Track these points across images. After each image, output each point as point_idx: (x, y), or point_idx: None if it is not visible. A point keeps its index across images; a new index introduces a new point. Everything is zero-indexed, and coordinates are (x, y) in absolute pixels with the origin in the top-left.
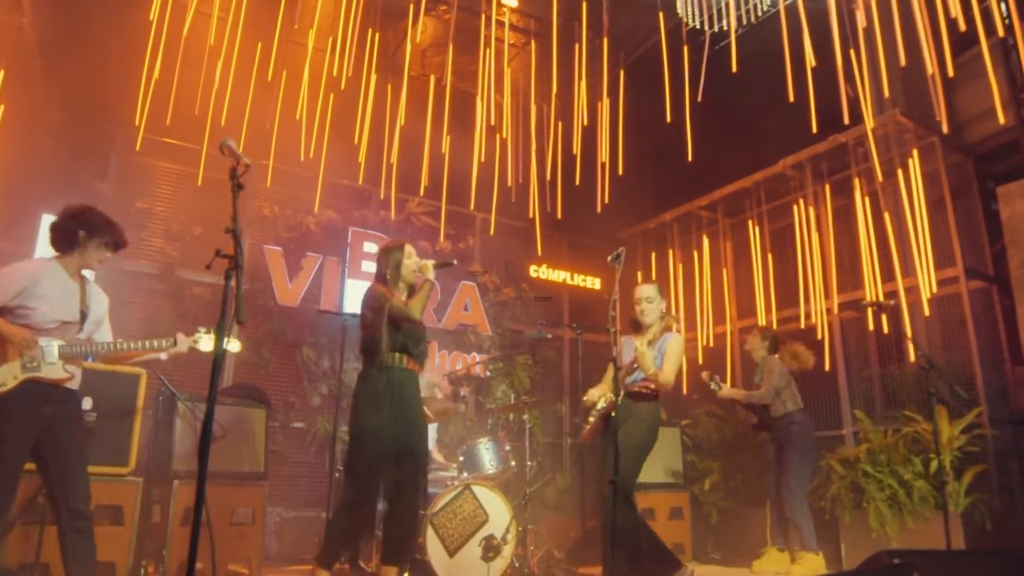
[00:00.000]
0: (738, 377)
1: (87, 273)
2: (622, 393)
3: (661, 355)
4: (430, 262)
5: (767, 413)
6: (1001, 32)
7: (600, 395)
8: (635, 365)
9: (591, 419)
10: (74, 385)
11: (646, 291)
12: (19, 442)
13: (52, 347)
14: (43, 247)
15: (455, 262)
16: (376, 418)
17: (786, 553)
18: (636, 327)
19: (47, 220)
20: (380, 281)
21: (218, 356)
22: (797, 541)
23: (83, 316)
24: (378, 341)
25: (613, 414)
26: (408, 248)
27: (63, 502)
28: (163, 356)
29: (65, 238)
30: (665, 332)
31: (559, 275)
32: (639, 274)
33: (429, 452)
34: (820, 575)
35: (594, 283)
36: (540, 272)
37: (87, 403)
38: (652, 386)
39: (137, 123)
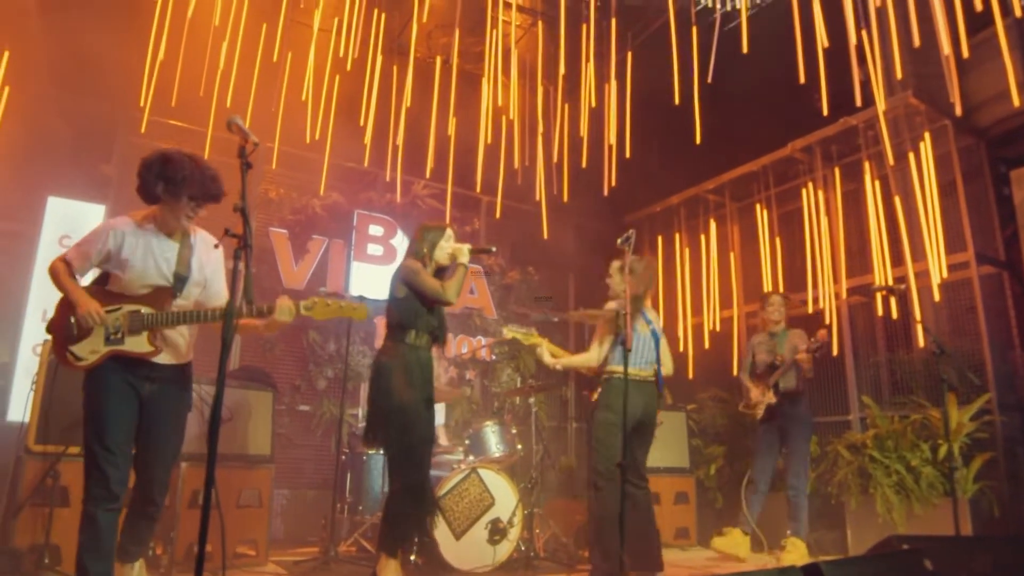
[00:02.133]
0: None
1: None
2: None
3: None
4: (466, 246)
5: (782, 396)
6: (1018, 12)
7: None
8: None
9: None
10: (170, 359)
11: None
12: (120, 414)
13: (137, 317)
14: (49, 230)
15: (494, 249)
16: (413, 394)
17: (748, 537)
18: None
19: (53, 202)
20: (415, 257)
21: (226, 339)
22: (793, 528)
23: (179, 279)
24: (412, 319)
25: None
26: (449, 231)
27: (138, 484)
28: (260, 323)
29: (146, 192)
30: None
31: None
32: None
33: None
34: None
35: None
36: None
37: None
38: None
39: (142, 105)
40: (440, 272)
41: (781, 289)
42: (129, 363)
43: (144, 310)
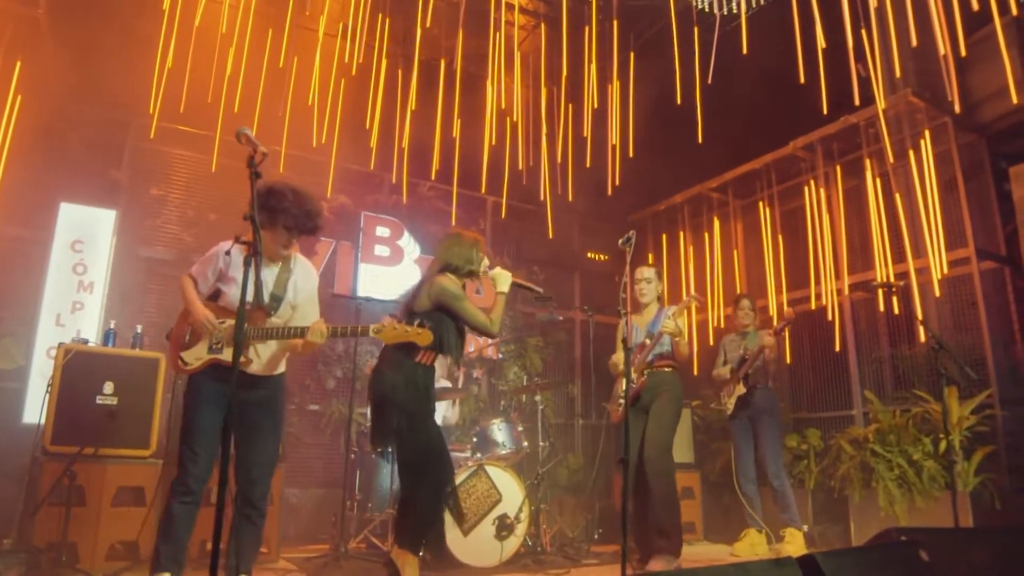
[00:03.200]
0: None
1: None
2: (644, 371)
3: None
4: (508, 275)
5: (750, 388)
6: (1015, 11)
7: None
8: (648, 342)
9: (621, 401)
10: (261, 371)
11: (646, 272)
12: (208, 419)
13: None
14: (61, 235)
15: (541, 291)
16: (422, 403)
17: (764, 534)
18: (635, 307)
19: (65, 209)
20: (450, 271)
21: (238, 340)
22: (785, 519)
23: (275, 299)
24: (440, 340)
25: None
26: (480, 244)
27: (239, 487)
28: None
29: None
30: (660, 308)
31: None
32: (650, 256)
33: None
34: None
35: (604, 265)
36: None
37: (108, 387)
38: (673, 362)
39: (151, 111)
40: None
41: (784, 285)
42: (225, 372)
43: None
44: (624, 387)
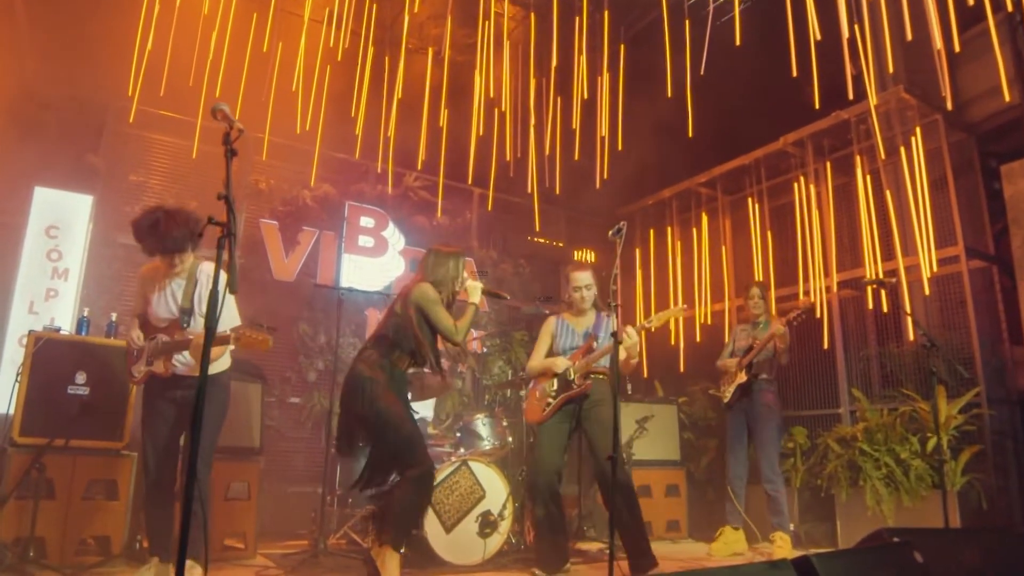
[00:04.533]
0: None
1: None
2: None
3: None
4: (479, 285)
5: (752, 377)
6: (1010, 7)
7: (571, 370)
8: (595, 346)
9: (551, 400)
10: (192, 372)
11: (585, 278)
12: (153, 424)
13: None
14: (36, 220)
15: (508, 297)
16: (400, 401)
17: (740, 531)
18: (579, 312)
19: (40, 193)
20: (432, 283)
21: (210, 328)
22: (776, 523)
23: (184, 312)
24: (407, 340)
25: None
26: (463, 260)
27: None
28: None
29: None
30: (598, 313)
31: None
32: (637, 251)
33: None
34: (792, 553)
35: (591, 258)
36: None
37: (80, 377)
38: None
39: (130, 95)
40: (448, 304)
41: (772, 282)
42: (161, 379)
43: (164, 339)
44: (555, 387)
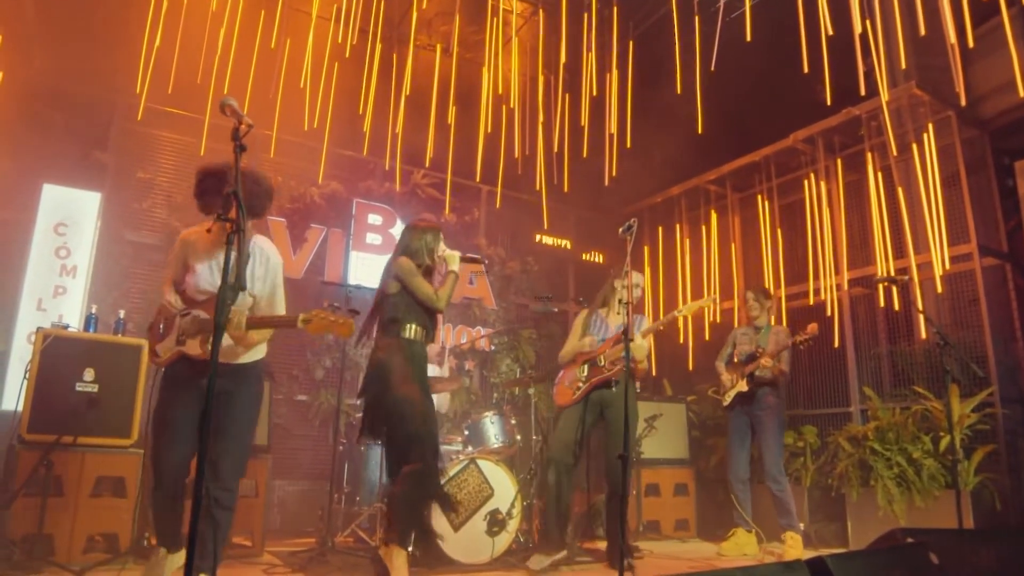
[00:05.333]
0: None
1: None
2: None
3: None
4: (456, 253)
5: (755, 385)
6: None
7: (602, 356)
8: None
9: (581, 385)
10: (226, 359)
11: (638, 278)
12: (177, 411)
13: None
14: (44, 218)
15: (486, 261)
16: (416, 386)
17: (752, 533)
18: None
19: (48, 189)
20: (407, 255)
21: (219, 325)
22: (785, 523)
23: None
24: (405, 314)
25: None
26: (440, 234)
27: (206, 481)
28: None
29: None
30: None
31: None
32: (646, 248)
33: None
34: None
35: (599, 257)
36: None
37: (88, 374)
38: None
39: (138, 92)
40: (427, 273)
41: (783, 280)
42: (193, 362)
43: (203, 315)
44: (585, 372)
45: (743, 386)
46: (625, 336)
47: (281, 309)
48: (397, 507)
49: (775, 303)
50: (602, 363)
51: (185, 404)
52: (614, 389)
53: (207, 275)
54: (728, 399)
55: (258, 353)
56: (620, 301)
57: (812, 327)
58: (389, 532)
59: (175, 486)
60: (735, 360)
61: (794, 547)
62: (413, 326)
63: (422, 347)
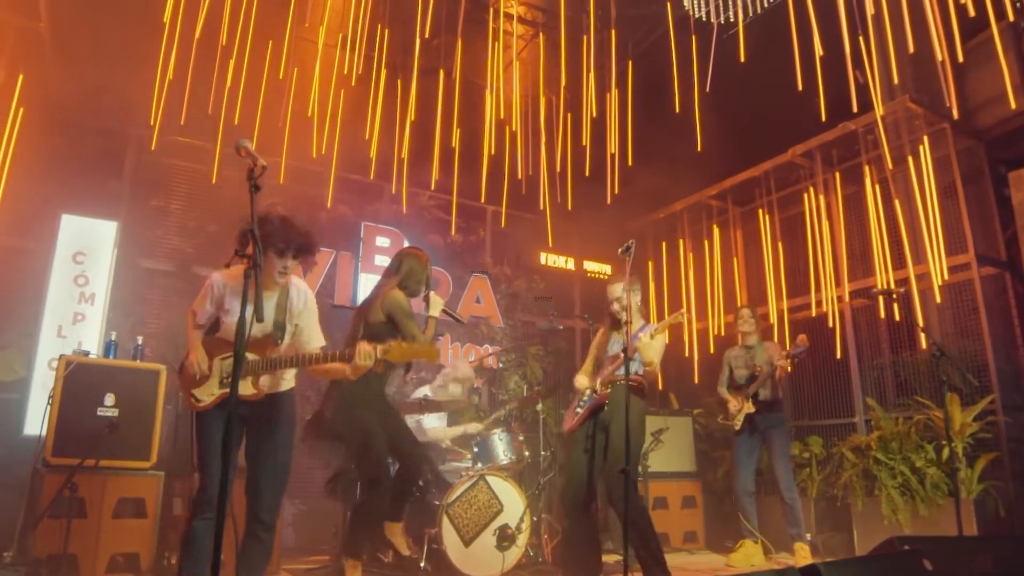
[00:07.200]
0: None
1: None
2: (605, 386)
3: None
4: (440, 301)
5: (761, 404)
6: (1011, 16)
7: (588, 384)
8: (619, 358)
9: (579, 410)
10: (278, 388)
11: (615, 291)
12: (219, 449)
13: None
14: (63, 247)
15: (464, 321)
16: (372, 416)
17: (759, 545)
18: (615, 324)
19: (67, 220)
20: (401, 288)
21: (239, 353)
22: (795, 534)
23: (278, 327)
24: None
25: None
26: (430, 268)
27: (249, 507)
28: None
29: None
30: (643, 323)
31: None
32: (650, 264)
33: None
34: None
35: (605, 273)
36: (550, 261)
37: (108, 399)
38: (639, 379)
39: (152, 123)
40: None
41: (784, 292)
42: (243, 402)
43: (250, 356)
44: (585, 397)
45: (750, 407)
46: (625, 355)
47: (320, 338)
48: (358, 524)
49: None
50: (597, 388)
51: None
52: (606, 408)
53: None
54: (738, 423)
55: (289, 383)
56: (619, 320)
57: (802, 338)
58: (348, 546)
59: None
60: (734, 384)
61: (804, 558)
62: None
63: (382, 377)
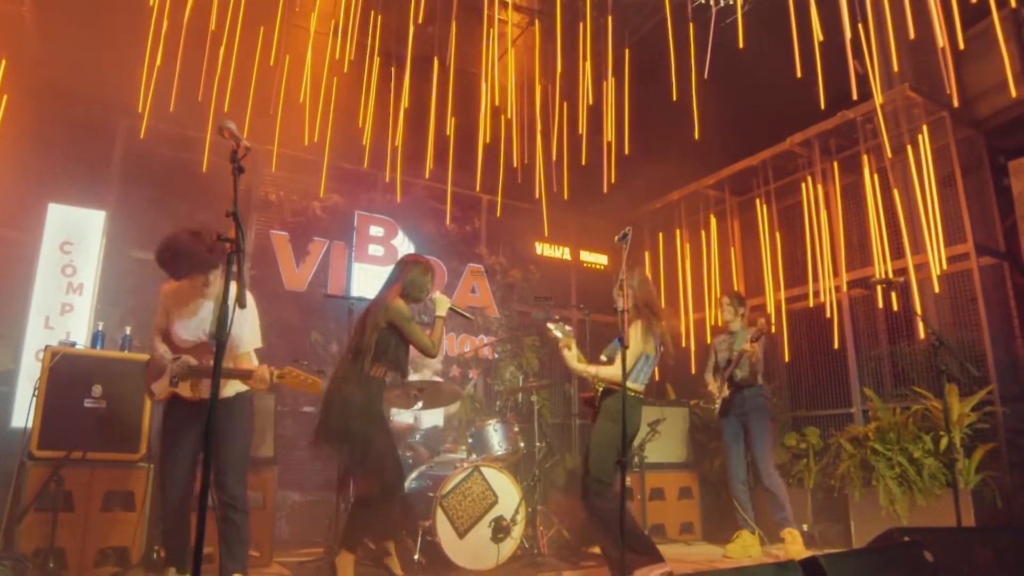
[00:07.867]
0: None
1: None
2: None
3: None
4: (447, 300)
5: (737, 387)
6: (1013, 3)
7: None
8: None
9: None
10: (224, 394)
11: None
12: (173, 446)
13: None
14: (50, 237)
15: (471, 316)
16: (374, 417)
17: (756, 535)
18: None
19: (54, 209)
20: (403, 296)
21: (221, 342)
22: (781, 519)
23: (215, 336)
24: (382, 352)
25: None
26: (433, 274)
27: (216, 491)
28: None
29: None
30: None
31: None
32: (647, 254)
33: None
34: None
35: (601, 263)
36: (546, 251)
37: (96, 390)
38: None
39: (140, 111)
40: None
41: (782, 283)
42: (185, 402)
43: (192, 361)
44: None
45: (724, 391)
46: (621, 343)
47: (249, 343)
48: (356, 516)
49: (748, 309)
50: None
51: (182, 434)
52: (597, 404)
53: (191, 326)
54: (717, 406)
55: (241, 387)
56: (616, 311)
57: (761, 322)
58: (344, 537)
59: (180, 505)
60: (718, 369)
61: (794, 542)
62: (381, 365)
63: (381, 382)
